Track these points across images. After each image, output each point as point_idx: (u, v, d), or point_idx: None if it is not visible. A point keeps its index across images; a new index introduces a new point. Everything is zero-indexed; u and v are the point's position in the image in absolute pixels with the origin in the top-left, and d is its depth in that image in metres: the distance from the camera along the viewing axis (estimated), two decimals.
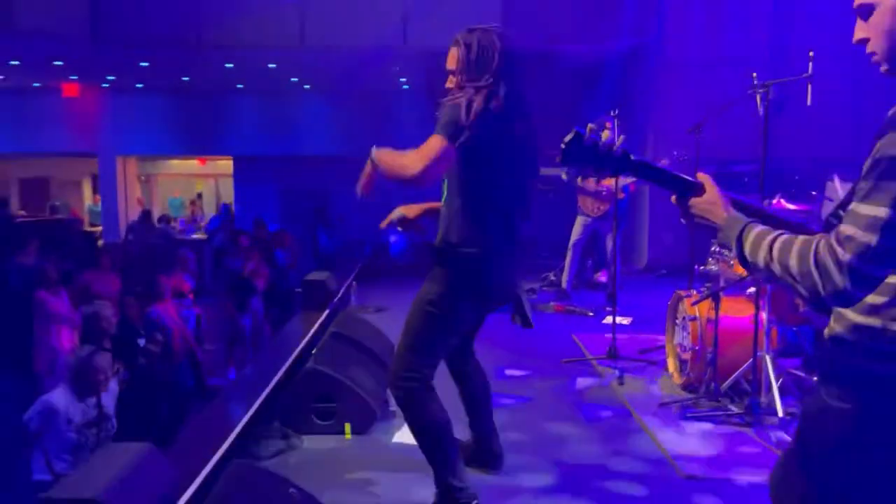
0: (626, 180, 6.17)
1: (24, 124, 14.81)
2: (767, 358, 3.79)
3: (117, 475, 2.08)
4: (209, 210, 17.97)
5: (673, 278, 8.13)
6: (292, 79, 13.43)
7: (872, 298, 1.41)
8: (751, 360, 3.85)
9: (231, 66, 11.72)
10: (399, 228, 3.01)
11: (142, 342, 5.63)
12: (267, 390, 3.69)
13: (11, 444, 4.22)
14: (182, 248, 8.96)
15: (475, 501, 2.75)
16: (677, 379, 4.36)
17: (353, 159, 2.70)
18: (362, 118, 13.26)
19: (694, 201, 1.60)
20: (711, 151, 7.31)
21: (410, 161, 2.49)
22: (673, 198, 1.63)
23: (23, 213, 14.96)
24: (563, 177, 6.88)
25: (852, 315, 1.47)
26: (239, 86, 14.47)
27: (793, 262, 1.38)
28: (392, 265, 8.42)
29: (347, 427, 3.67)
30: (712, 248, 4.57)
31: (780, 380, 3.83)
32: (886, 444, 1.44)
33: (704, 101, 7.92)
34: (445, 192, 2.72)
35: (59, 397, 4.03)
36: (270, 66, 11.65)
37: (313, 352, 4.11)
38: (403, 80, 12.98)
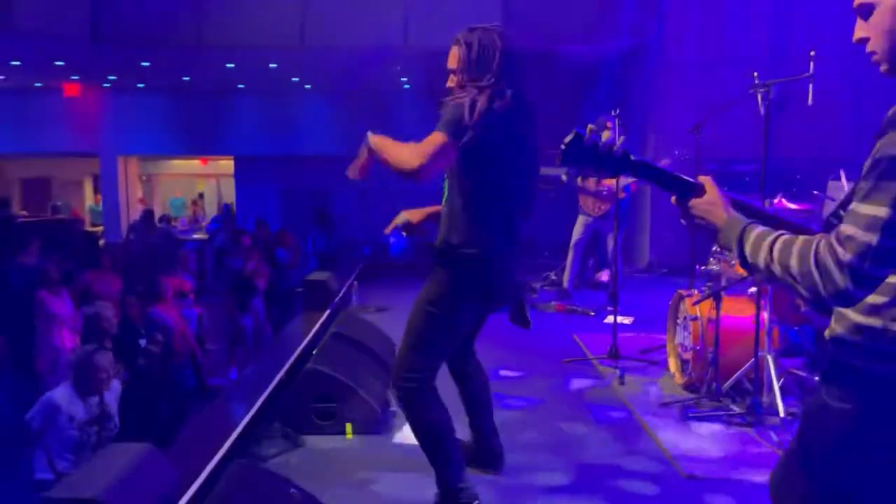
0: (627, 180, 6.16)
1: (25, 124, 14.83)
2: (769, 358, 3.78)
3: (118, 475, 2.08)
4: (210, 210, 17.98)
5: (674, 278, 8.13)
6: (293, 79, 13.44)
7: (873, 298, 1.41)
8: (752, 359, 3.84)
9: (232, 65, 11.73)
10: (403, 233, 3.01)
11: (143, 342, 5.64)
12: (268, 390, 3.70)
13: (13, 443, 4.23)
14: (182, 248, 8.97)
15: (476, 502, 2.74)
16: (679, 379, 4.36)
17: (354, 159, 2.67)
18: (363, 118, 13.22)
19: (694, 202, 1.59)
20: (713, 151, 7.33)
21: (410, 156, 2.47)
22: (673, 198, 1.63)
23: (24, 213, 14.97)
24: (563, 178, 6.88)
25: (853, 315, 1.47)
26: (240, 86, 14.48)
27: (793, 263, 1.38)
28: (393, 265, 8.43)
29: (348, 427, 3.67)
30: (713, 248, 4.57)
31: (782, 380, 3.83)
32: (887, 445, 1.44)
33: (705, 101, 7.91)
34: (446, 192, 2.71)
35: (62, 395, 4.05)
36: (271, 65, 11.65)
37: (314, 352, 4.11)
38: (404, 79, 12.98)
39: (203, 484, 2.52)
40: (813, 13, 8.01)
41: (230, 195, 17.29)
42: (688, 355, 4.21)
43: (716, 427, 3.73)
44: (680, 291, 4.49)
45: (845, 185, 4.21)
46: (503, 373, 4.73)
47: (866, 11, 1.45)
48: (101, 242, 13.23)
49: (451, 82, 2.68)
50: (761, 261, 1.45)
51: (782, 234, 1.44)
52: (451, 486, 2.72)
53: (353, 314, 5.19)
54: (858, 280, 1.31)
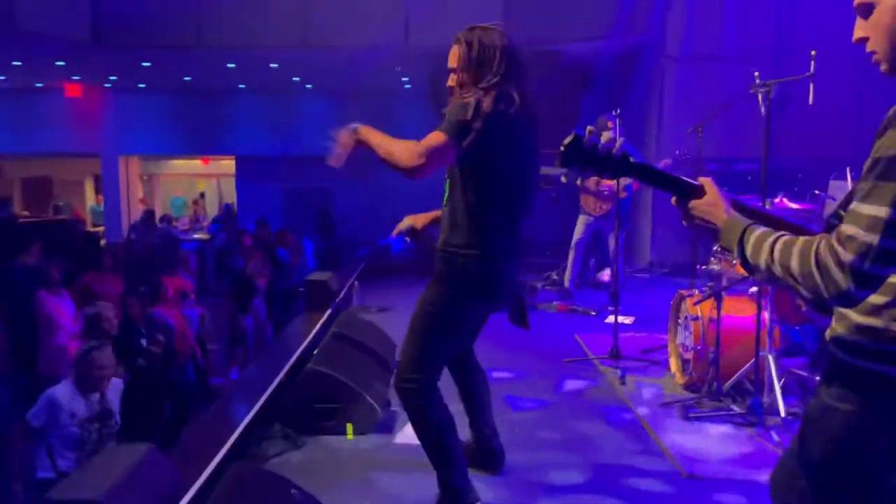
0: (628, 179, 6.16)
1: (26, 124, 14.87)
2: (770, 357, 3.78)
3: (119, 476, 2.08)
4: (211, 210, 17.99)
5: (675, 277, 8.14)
6: (294, 78, 13.44)
7: (874, 298, 1.41)
8: (753, 359, 3.84)
9: (233, 66, 11.74)
10: (407, 239, 3.01)
11: (144, 342, 5.64)
12: (269, 391, 3.69)
13: (16, 443, 4.23)
14: (180, 249, 8.97)
15: (478, 503, 2.74)
16: (680, 379, 4.36)
17: (356, 159, 2.66)
18: (365, 118, 13.17)
19: (694, 203, 1.59)
20: (714, 150, 7.34)
21: (409, 153, 2.45)
22: (673, 200, 1.62)
23: (26, 213, 14.99)
24: (563, 179, 6.88)
25: (854, 315, 1.47)
26: (241, 85, 14.49)
27: (794, 264, 1.37)
28: (394, 265, 8.43)
29: (349, 427, 3.67)
30: (714, 248, 4.57)
31: (783, 379, 3.83)
32: (888, 445, 1.44)
33: (706, 100, 7.92)
34: (448, 192, 2.71)
35: (63, 392, 4.08)
36: (272, 65, 11.66)
37: (315, 352, 4.11)
38: (405, 79, 12.98)
39: (204, 485, 2.52)
40: (814, 12, 8.00)
41: (231, 195, 17.31)
42: (689, 355, 4.21)
43: (717, 427, 3.72)
44: (681, 291, 4.50)
45: (850, 184, 4.20)
46: (500, 374, 4.72)
47: (866, 10, 1.44)
48: (103, 242, 13.24)
49: (452, 81, 2.67)
50: (762, 262, 1.44)
51: (783, 235, 1.44)
52: (452, 487, 2.72)
53: (353, 314, 5.19)
54: (860, 280, 1.30)
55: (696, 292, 4.32)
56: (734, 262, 4.06)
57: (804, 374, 4.07)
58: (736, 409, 3.83)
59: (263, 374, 4.05)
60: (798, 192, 4.52)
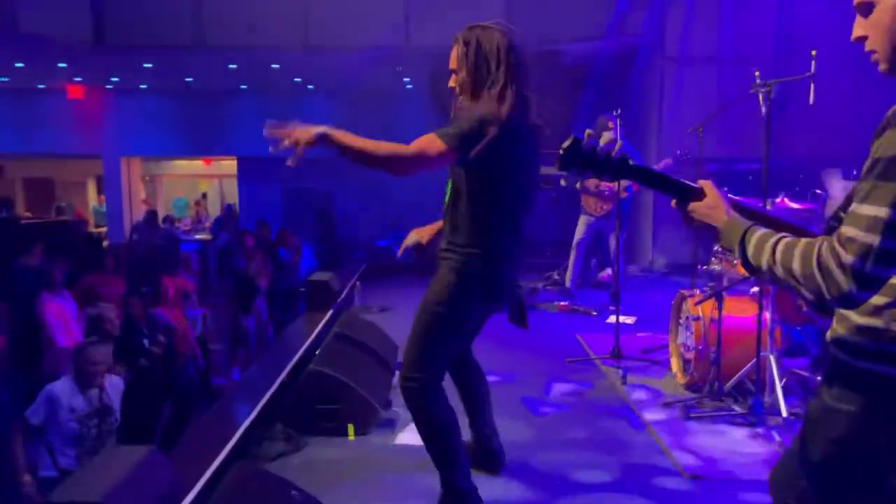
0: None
1: (29, 125, 14.90)
2: (771, 358, 3.78)
3: (120, 478, 2.08)
4: (213, 210, 18.01)
5: (676, 277, 8.13)
6: (296, 79, 13.45)
7: (875, 299, 1.41)
8: (754, 359, 3.84)
9: (234, 67, 11.75)
10: (415, 254, 3.02)
11: (146, 343, 5.65)
12: (270, 392, 3.70)
13: (17, 441, 4.24)
14: (183, 249, 8.98)
15: None
16: (681, 379, 4.35)
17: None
18: (366, 118, 13.24)
19: (694, 205, 1.59)
20: (715, 150, 7.33)
21: (396, 153, 2.41)
22: (673, 202, 1.62)
23: (28, 214, 15.02)
24: (563, 182, 6.88)
25: (855, 316, 1.47)
26: (242, 86, 14.50)
27: (796, 265, 1.37)
28: (395, 265, 8.43)
29: (350, 428, 3.67)
30: (715, 248, 4.56)
31: (784, 380, 3.83)
32: (889, 446, 1.44)
33: (707, 100, 7.91)
34: (450, 193, 2.71)
35: (62, 387, 4.13)
36: (274, 66, 11.66)
37: (317, 353, 4.11)
38: (407, 79, 12.99)
39: (204, 487, 2.52)
40: (814, 12, 7.99)
41: (233, 195, 17.32)
42: (690, 355, 4.21)
43: (718, 427, 3.72)
44: (682, 291, 4.49)
45: (841, 177, 4.19)
46: (501, 374, 4.72)
47: (866, 9, 1.44)
48: (105, 243, 13.27)
49: (453, 82, 2.67)
50: (764, 263, 1.44)
51: (784, 237, 1.44)
52: (455, 487, 2.72)
53: (355, 315, 5.19)
54: (862, 282, 1.30)
55: (698, 292, 4.32)
56: (735, 262, 4.06)
57: (806, 374, 4.06)
58: (737, 409, 3.83)
59: (265, 375, 4.06)
60: (799, 191, 4.51)
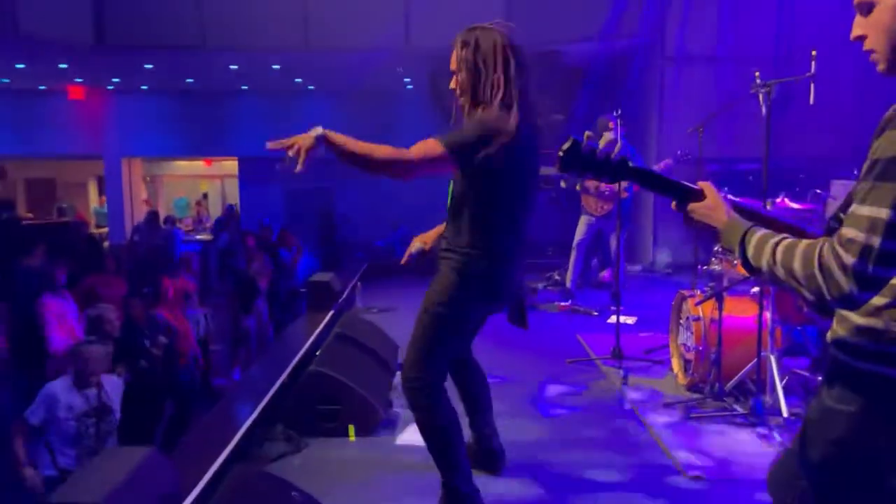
0: None
1: (30, 126, 14.91)
2: (772, 358, 3.77)
3: (120, 479, 2.08)
4: (214, 211, 18.03)
5: (677, 277, 8.13)
6: (296, 80, 13.45)
7: (875, 300, 1.41)
8: (755, 360, 3.84)
9: (235, 67, 11.76)
10: (420, 261, 3.02)
11: (147, 344, 5.65)
12: (270, 393, 3.70)
13: (18, 440, 4.25)
14: (181, 250, 8.98)
15: None
16: (682, 379, 4.35)
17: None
18: (367, 118, 13.28)
19: (693, 207, 1.59)
20: (715, 150, 7.33)
21: (398, 157, 2.41)
22: (673, 204, 1.62)
23: (30, 215, 15.04)
24: (563, 184, 6.88)
25: (855, 317, 1.47)
26: (243, 87, 14.51)
27: (797, 266, 1.37)
28: (396, 265, 8.43)
29: (351, 429, 3.67)
30: (716, 248, 4.56)
31: (785, 380, 3.82)
32: (889, 447, 1.43)
33: (708, 100, 7.91)
34: (452, 194, 2.71)
35: (61, 386, 4.15)
36: (274, 67, 11.67)
37: (317, 353, 4.11)
38: (407, 80, 12.99)
39: (205, 488, 2.52)
40: (815, 11, 7.99)
41: (234, 196, 17.33)
42: (690, 355, 4.21)
43: (719, 427, 3.72)
44: (682, 291, 4.49)
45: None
46: (501, 374, 4.72)
47: (866, 8, 1.44)
48: (106, 244, 13.28)
49: (454, 83, 2.67)
50: (764, 264, 1.44)
51: (785, 238, 1.44)
52: (455, 488, 2.72)
53: (356, 315, 5.19)
54: (863, 283, 1.30)
55: (698, 292, 4.31)
56: (735, 262, 4.06)
57: (806, 374, 4.06)
58: (738, 409, 3.83)
59: (266, 376, 4.07)
60: (799, 192, 4.51)
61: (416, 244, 3.07)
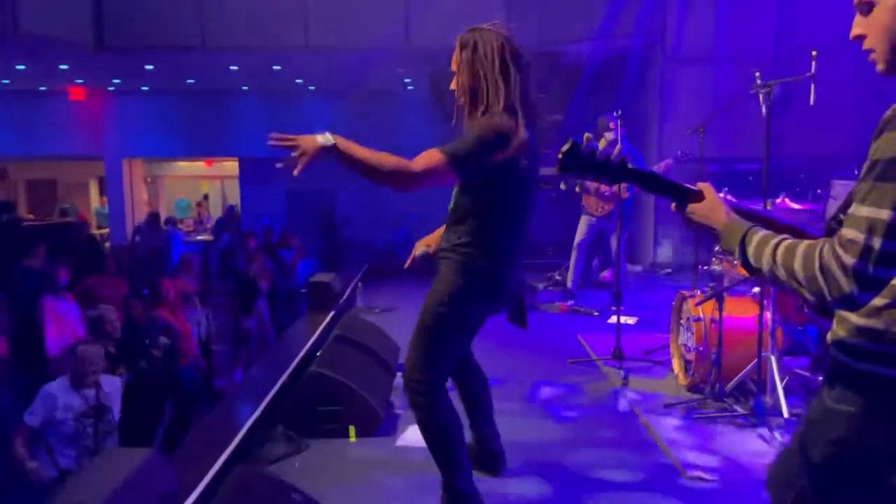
0: None
1: (31, 127, 14.93)
2: (772, 358, 3.77)
3: (120, 481, 2.08)
4: (215, 212, 18.03)
5: (678, 278, 8.13)
6: (297, 80, 13.46)
7: (875, 300, 1.41)
8: (756, 360, 3.83)
9: (236, 68, 11.76)
10: (423, 264, 3.02)
11: (147, 344, 5.65)
12: (271, 394, 3.70)
13: (18, 440, 4.25)
14: (180, 251, 8.99)
15: None
16: (682, 379, 4.35)
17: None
18: (367, 119, 13.29)
19: (693, 208, 1.59)
20: (715, 150, 7.33)
21: (402, 169, 2.39)
22: (673, 205, 1.62)
23: (31, 216, 15.04)
24: (563, 185, 6.88)
25: (855, 318, 1.47)
26: (244, 88, 14.51)
27: (797, 267, 1.37)
28: (397, 265, 8.43)
29: (352, 430, 3.67)
30: (716, 248, 4.56)
31: (786, 380, 3.82)
32: (889, 448, 1.44)
33: (707, 101, 7.91)
34: (454, 194, 2.71)
35: (59, 386, 4.16)
36: (275, 67, 11.68)
37: (318, 354, 4.11)
38: (408, 80, 13.00)
39: (205, 490, 2.52)
40: (815, 11, 7.99)
41: (235, 196, 17.34)
42: (691, 356, 4.20)
43: (719, 428, 3.72)
44: (682, 292, 4.49)
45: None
46: (500, 375, 4.72)
47: (866, 8, 1.44)
48: (107, 245, 13.29)
49: (454, 84, 2.67)
50: (764, 264, 1.44)
51: (785, 239, 1.44)
52: (456, 490, 2.72)
53: (356, 316, 5.19)
54: (863, 284, 1.30)
55: (698, 293, 4.31)
56: (736, 262, 4.05)
57: (807, 374, 4.06)
58: (739, 409, 3.82)
59: (266, 377, 4.06)
60: (800, 192, 4.51)
61: (420, 248, 3.06)
